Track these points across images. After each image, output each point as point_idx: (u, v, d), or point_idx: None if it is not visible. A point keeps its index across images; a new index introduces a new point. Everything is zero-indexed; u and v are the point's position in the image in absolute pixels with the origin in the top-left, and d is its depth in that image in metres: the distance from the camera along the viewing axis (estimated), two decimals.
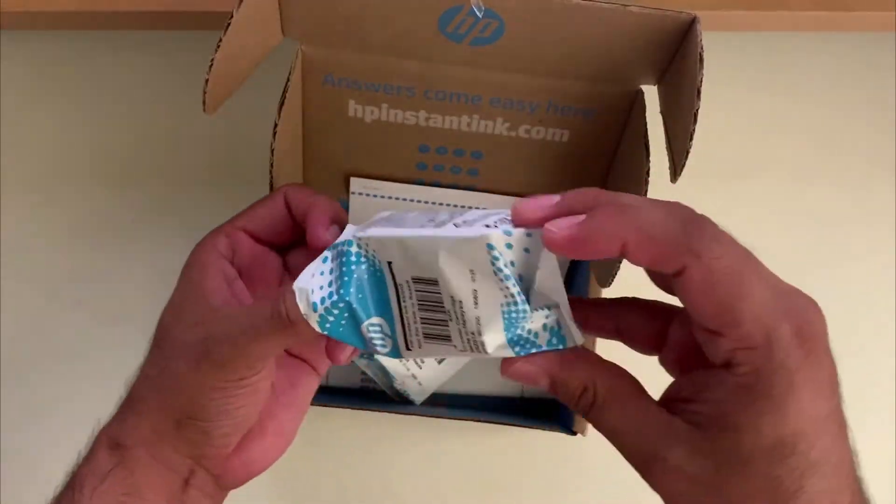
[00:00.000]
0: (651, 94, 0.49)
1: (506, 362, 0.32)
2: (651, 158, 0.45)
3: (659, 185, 0.46)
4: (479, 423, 0.58)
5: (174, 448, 0.37)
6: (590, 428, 0.55)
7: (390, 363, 0.55)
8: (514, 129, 0.52)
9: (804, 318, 0.28)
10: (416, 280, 0.33)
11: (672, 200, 0.30)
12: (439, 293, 0.32)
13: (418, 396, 0.58)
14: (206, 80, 0.41)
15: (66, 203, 0.66)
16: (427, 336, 0.33)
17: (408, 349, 0.34)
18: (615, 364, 0.32)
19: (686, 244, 0.27)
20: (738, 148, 0.69)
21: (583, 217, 0.29)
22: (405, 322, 0.34)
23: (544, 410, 0.61)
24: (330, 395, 0.61)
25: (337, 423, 0.63)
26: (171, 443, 0.36)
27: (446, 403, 0.61)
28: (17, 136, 0.68)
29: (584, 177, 0.54)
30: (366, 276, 0.33)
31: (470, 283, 0.31)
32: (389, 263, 0.33)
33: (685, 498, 0.28)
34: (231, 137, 0.67)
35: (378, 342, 0.34)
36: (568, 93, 0.49)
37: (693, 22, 0.41)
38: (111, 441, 0.38)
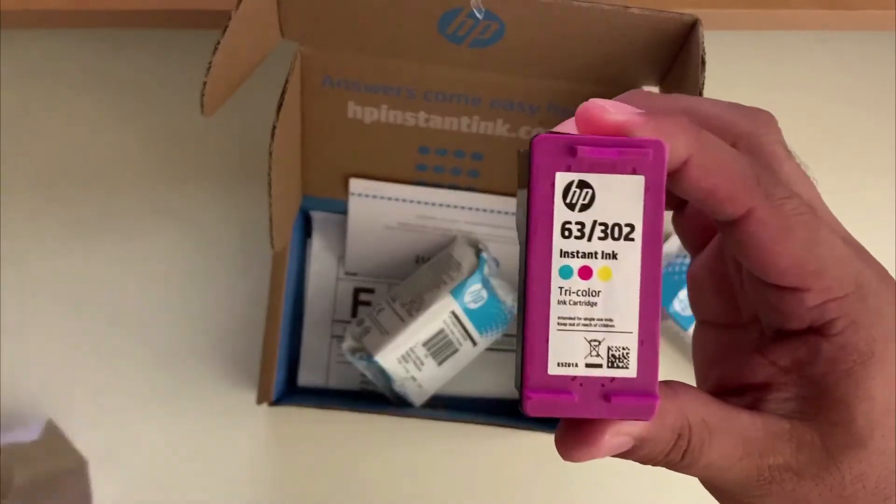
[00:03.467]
0: None
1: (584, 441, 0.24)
2: None
3: None
4: (479, 426, 0.58)
5: None
6: None
7: (390, 365, 0.55)
8: (515, 130, 0.51)
9: (877, 262, 0.24)
10: None
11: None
12: None
13: (418, 399, 0.58)
14: (204, 83, 0.41)
15: (66, 203, 0.66)
16: None
17: None
18: (681, 383, 0.24)
19: (755, 180, 0.22)
20: None
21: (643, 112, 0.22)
22: None
23: None
24: (329, 397, 0.61)
25: (336, 425, 0.62)
26: None
27: (445, 406, 0.61)
28: (18, 136, 0.67)
29: None
30: None
31: None
32: None
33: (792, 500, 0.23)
34: (231, 137, 0.66)
35: None
36: (568, 94, 0.49)
37: (695, 24, 0.41)
38: None
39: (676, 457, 0.23)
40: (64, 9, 0.59)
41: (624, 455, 0.23)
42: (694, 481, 0.27)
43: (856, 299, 0.23)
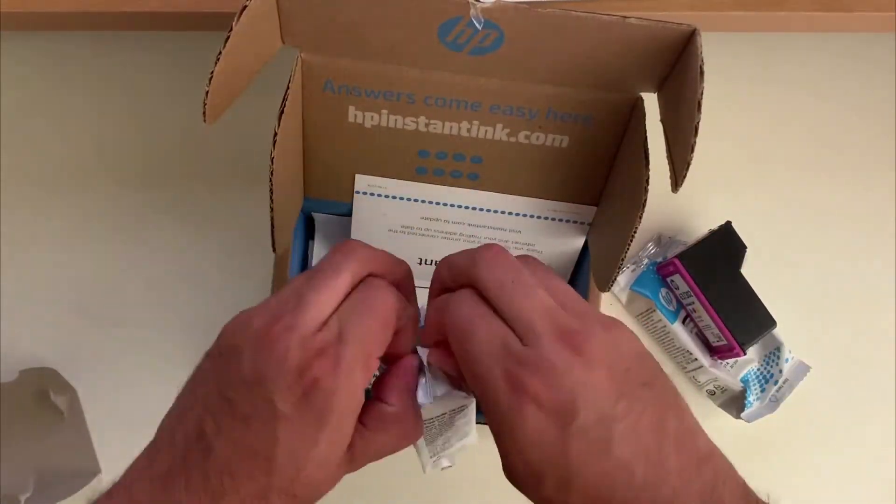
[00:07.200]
0: (651, 100, 0.49)
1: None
2: (651, 165, 0.45)
3: (658, 191, 0.46)
4: (479, 425, 0.58)
5: None
6: None
7: None
8: (514, 134, 0.52)
9: (519, 365, 0.31)
10: None
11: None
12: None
13: None
14: (206, 93, 0.41)
15: (66, 204, 0.66)
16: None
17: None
18: None
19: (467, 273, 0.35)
20: (739, 147, 0.69)
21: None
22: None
23: None
24: None
25: None
26: None
27: None
28: (18, 136, 0.68)
29: (583, 182, 0.54)
30: None
31: None
32: None
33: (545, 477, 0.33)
34: (234, 139, 0.67)
35: None
36: (567, 100, 0.49)
37: (693, 34, 0.41)
38: None
39: None
40: (64, 10, 0.59)
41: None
42: None
43: (480, 394, 0.33)
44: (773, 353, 0.63)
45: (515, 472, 0.32)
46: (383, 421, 0.35)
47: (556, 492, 0.30)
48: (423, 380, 0.38)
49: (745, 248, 0.62)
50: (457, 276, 0.36)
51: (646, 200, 0.45)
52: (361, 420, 0.35)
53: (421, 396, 0.38)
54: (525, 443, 0.30)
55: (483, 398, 0.32)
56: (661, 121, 0.46)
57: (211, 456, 0.32)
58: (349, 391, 0.32)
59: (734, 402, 0.63)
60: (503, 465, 0.32)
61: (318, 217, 0.61)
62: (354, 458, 0.35)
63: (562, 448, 0.30)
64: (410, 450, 0.63)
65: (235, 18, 0.40)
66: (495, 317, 0.33)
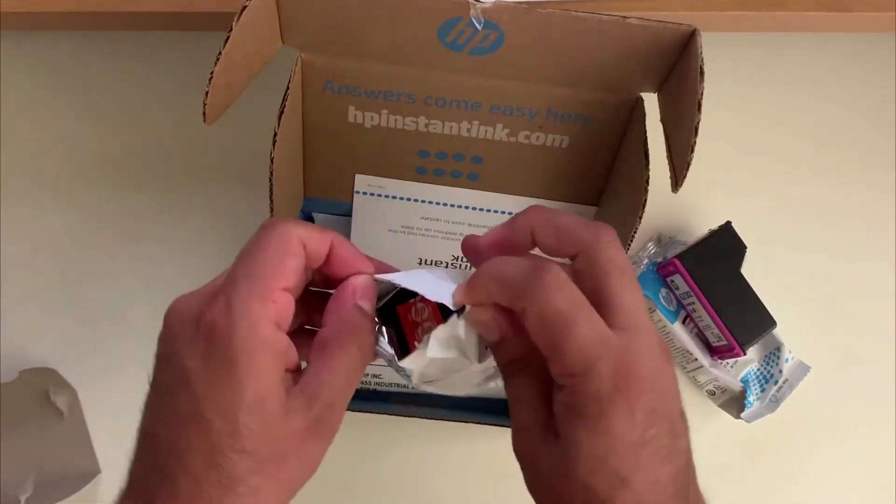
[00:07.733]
0: (651, 100, 0.49)
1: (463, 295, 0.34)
2: (651, 165, 0.45)
3: (658, 191, 0.46)
4: (479, 426, 0.58)
5: None
6: None
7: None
8: (514, 134, 0.52)
9: (624, 360, 0.31)
10: None
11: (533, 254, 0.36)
12: None
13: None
14: (206, 93, 0.41)
15: (66, 203, 0.66)
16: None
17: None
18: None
19: (526, 290, 0.32)
20: (739, 147, 0.69)
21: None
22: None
23: None
24: None
25: None
26: None
27: (447, 405, 0.61)
28: (18, 137, 0.68)
29: (583, 182, 0.54)
30: None
31: None
32: None
33: (538, 470, 0.34)
34: (234, 139, 0.67)
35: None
36: (567, 100, 0.49)
37: (693, 35, 0.41)
38: None
39: (512, 369, 0.35)
40: (64, 10, 0.59)
41: (494, 343, 0.35)
42: None
43: (580, 380, 0.31)
44: (773, 353, 0.63)
45: (577, 459, 0.31)
46: (320, 348, 0.34)
47: (608, 488, 0.31)
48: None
49: (745, 248, 0.62)
50: (562, 242, 0.34)
51: (646, 200, 0.45)
52: (306, 358, 0.34)
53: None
54: (608, 439, 0.31)
55: (579, 389, 0.31)
56: (661, 121, 0.46)
57: (156, 445, 0.31)
58: (248, 326, 0.31)
59: (734, 402, 0.63)
60: (565, 456, 0.32)
61: (318, 217, 0.61)
62: (309, 398, 0.32)
63: (635, 449, 0.31)
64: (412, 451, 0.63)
65: (235, 18, 0.40)
66: (591, 307, 0.32)
